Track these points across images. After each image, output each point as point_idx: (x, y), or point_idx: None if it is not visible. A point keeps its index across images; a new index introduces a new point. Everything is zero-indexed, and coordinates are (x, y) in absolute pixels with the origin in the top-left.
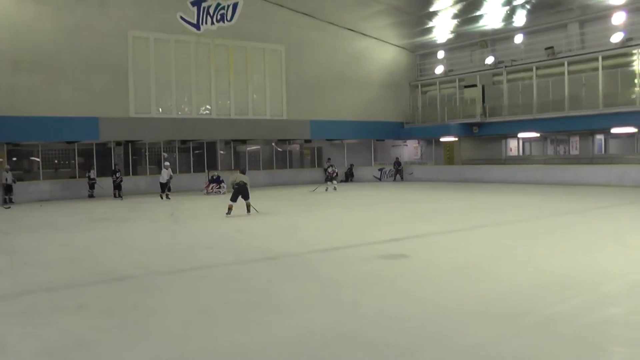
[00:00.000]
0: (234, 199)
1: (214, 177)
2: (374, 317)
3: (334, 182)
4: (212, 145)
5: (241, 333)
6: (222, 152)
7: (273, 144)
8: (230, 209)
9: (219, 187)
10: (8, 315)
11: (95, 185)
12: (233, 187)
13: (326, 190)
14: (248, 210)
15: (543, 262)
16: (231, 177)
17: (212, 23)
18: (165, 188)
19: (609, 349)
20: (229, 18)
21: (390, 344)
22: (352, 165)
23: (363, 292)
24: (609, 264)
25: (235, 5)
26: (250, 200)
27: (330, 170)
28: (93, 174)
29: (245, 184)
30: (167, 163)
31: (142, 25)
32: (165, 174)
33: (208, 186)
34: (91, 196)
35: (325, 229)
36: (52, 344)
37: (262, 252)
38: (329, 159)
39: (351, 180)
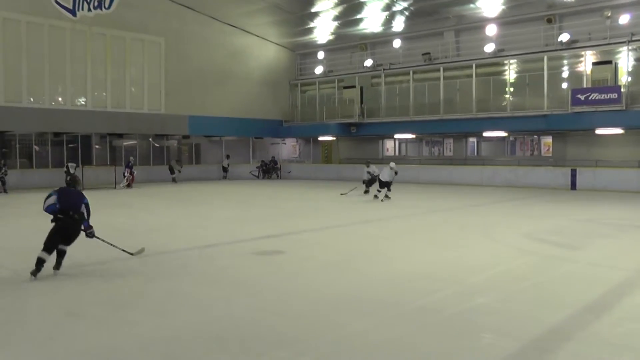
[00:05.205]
0: None
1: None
2: (247, 313)
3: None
4: (87, 139)
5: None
6: (97, 146)
7: (150, 139)
8: None
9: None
10: None
11: None
12: None
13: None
14: None
15: (415, 256)
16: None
17: (89, 10)
18: None
19: (478, 335)
20: (106, 6)
21: (265, 338)
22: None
23: (237, 288)
24: (477, 257)
25: None
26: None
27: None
28: None
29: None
30: None
31: (13, 5)
32: None
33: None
34: None
35: (202, 227)
36: None
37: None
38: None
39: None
